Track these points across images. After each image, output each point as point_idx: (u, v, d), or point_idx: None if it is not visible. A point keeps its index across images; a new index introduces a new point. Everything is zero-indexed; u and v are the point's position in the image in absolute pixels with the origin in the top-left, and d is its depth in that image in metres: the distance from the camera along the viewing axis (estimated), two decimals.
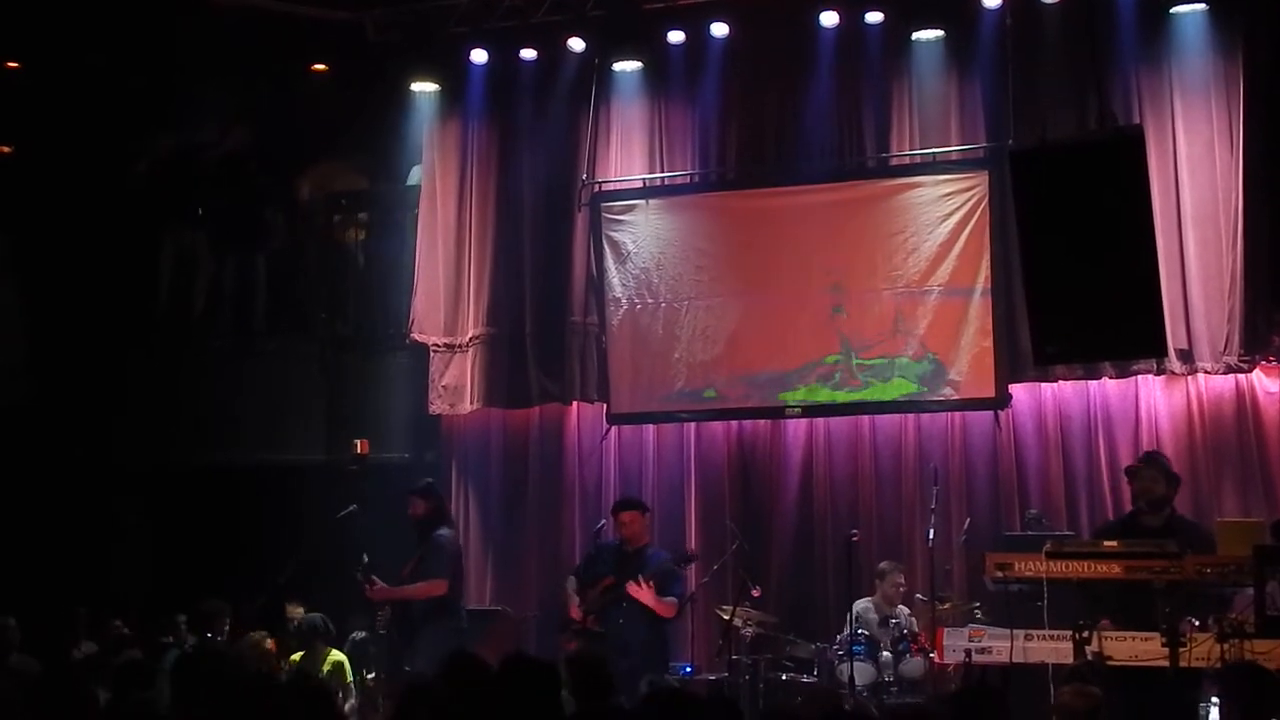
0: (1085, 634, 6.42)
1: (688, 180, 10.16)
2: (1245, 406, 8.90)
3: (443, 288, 10.39)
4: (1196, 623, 6.51)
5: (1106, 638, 6.52)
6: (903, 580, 8.79)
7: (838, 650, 8.38)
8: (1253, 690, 5.14)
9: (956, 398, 9.32)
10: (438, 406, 10.39)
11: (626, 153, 10.19)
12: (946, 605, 8.33)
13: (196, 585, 9.35)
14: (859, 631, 8.34)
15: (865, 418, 9.66)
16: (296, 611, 9.06)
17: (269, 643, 8.46)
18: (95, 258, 10.60)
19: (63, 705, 4.42)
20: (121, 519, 10.71)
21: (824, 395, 9.57)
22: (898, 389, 9.43)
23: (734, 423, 9.99)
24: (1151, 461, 7.50)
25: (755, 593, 8.51)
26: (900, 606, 8.73)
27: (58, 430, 10.32)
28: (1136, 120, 8.74)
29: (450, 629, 8.15)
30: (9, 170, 10.94)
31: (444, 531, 8.38)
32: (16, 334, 10.47)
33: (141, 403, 10.54)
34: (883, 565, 8.87)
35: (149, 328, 10.77)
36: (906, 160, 9.61)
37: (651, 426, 10.12)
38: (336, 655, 8.85)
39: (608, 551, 8.35)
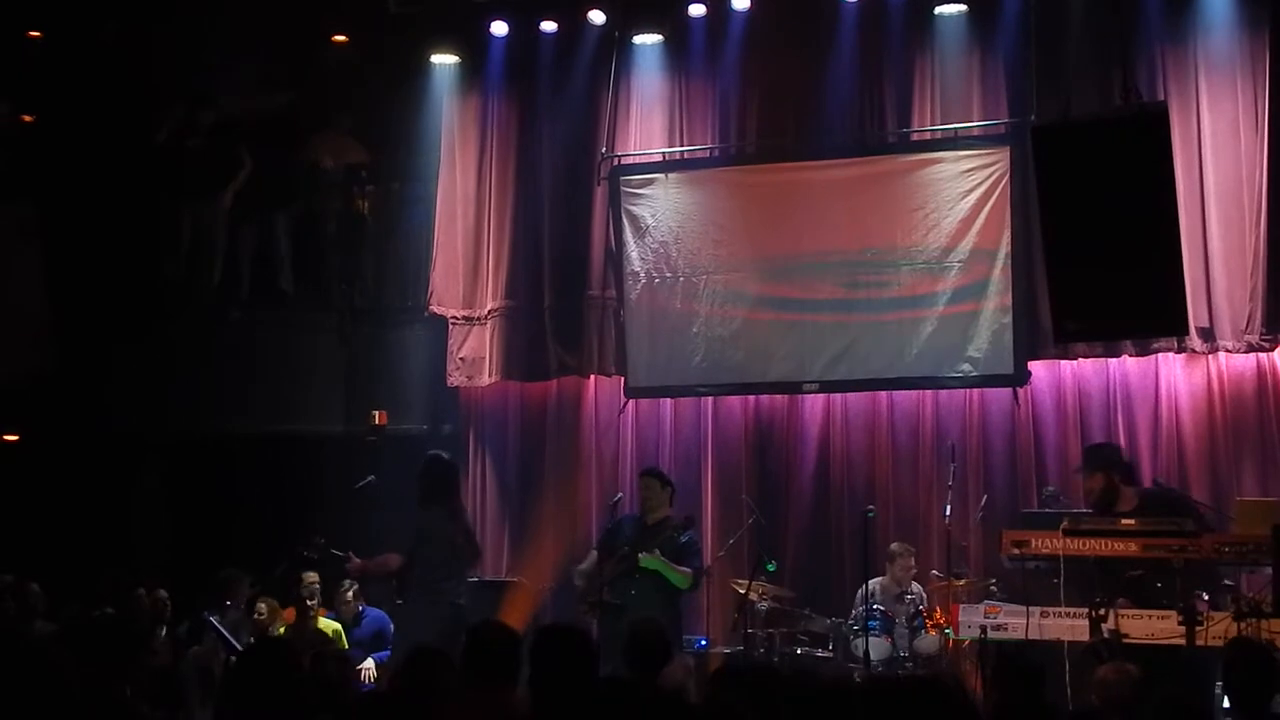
0: (1102, 611, 6.42)
1: (707, 154, 10.13)
2: (1266, 385, 8.85)
3: (461, 260, 10.40)
4: (1206, 596, 6.51)
5: (1123, 615, 6.51)
6: (913, 563, 8.79)
7: (853, 625, 8.40)
8: (1254, 668, 5.11)
9: (975, 374, 9.28)
10: (456, 378, 10.41)
11: (646, 126, 10.16)
12: (963, 582, 8.34)
13: (213, 554, 9.40)
14: (874, 607, 8.35)
15: (883, 394, 9.65)
16: (312, 578, 9.07)
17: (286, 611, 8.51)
18: (116, 227, 10.62)
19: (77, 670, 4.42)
20: (139, 487, 10.77)
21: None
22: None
23: (751, 397, 9.98)
24: (1085, 461, 7.46)
25: (771, 567, 8.52)
26: (914, 584, 8.72)
27: (78, 399, 10.36)
28: (1161, 97, 8.66)
29: (408, 606, 8.14)
30: (31, 139, 10.95)
31: (424, 511, 8.20)
32: (38, 303, 10.49)
33: (161, 372, 10.57)
34: (893, 547, 8.84)
35: (169, 298, 10.78)
36: (928, 135, 9.56)
37: (669, 400, 10.13)
38: (332, 624, 8.89)
39: (628, 523, 8.36)
